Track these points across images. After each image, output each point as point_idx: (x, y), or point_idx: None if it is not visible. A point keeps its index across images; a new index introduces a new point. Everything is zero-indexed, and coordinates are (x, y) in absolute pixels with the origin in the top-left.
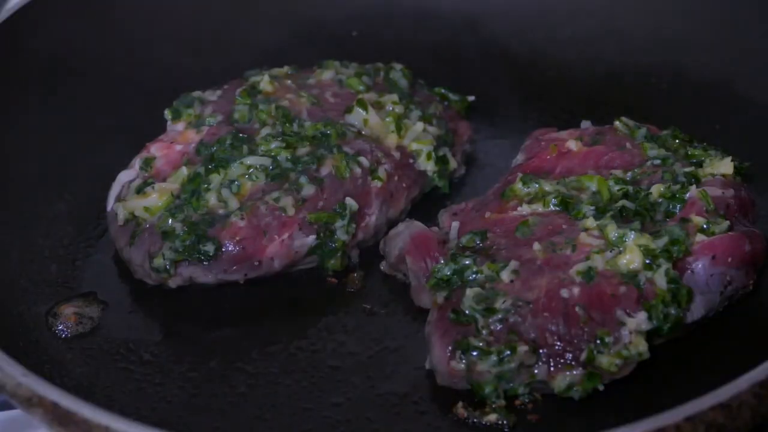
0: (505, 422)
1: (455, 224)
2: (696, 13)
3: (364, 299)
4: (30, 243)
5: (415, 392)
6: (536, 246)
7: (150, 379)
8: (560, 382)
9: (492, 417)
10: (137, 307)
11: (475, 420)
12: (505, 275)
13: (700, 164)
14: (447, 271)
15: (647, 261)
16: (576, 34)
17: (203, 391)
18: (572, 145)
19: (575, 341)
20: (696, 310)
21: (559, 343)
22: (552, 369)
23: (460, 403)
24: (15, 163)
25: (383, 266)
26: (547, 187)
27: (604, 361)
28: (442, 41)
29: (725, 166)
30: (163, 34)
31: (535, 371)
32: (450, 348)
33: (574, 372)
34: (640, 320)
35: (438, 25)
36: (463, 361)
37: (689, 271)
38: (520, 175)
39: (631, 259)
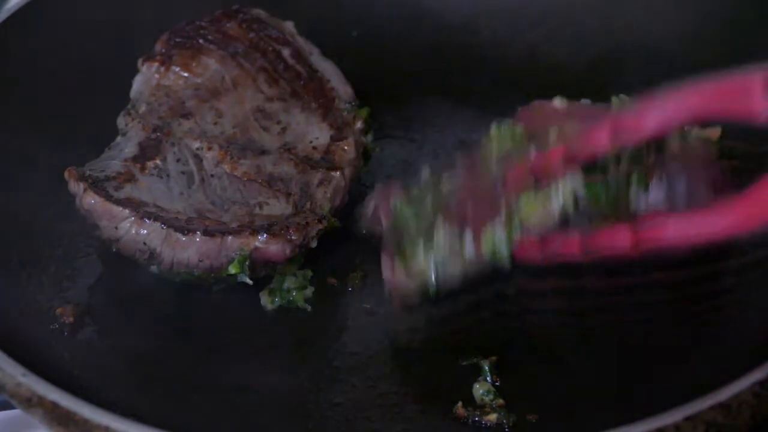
0: (505, 422)
1: (426, 170)
2: (696, 12)
3: (364, 299)
4: (29, 243)
5: (414, 392)
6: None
7: (150, 379)
8: (486, 245)
9: (492, 417)
10: (137, 307)
11: (475, 420)
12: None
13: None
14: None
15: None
16: (577, 35)
17: (203, 391)
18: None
19: (493, 205)
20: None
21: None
22: (476, 240)
23: (460, 403)
24: (14, 162)
25: (361, 226)
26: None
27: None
28: (442, 41)
29: (712, 131)
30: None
31: (466, 254)
32: (391, 262)
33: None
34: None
35: (438, 25)
36: (401, 265)
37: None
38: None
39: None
